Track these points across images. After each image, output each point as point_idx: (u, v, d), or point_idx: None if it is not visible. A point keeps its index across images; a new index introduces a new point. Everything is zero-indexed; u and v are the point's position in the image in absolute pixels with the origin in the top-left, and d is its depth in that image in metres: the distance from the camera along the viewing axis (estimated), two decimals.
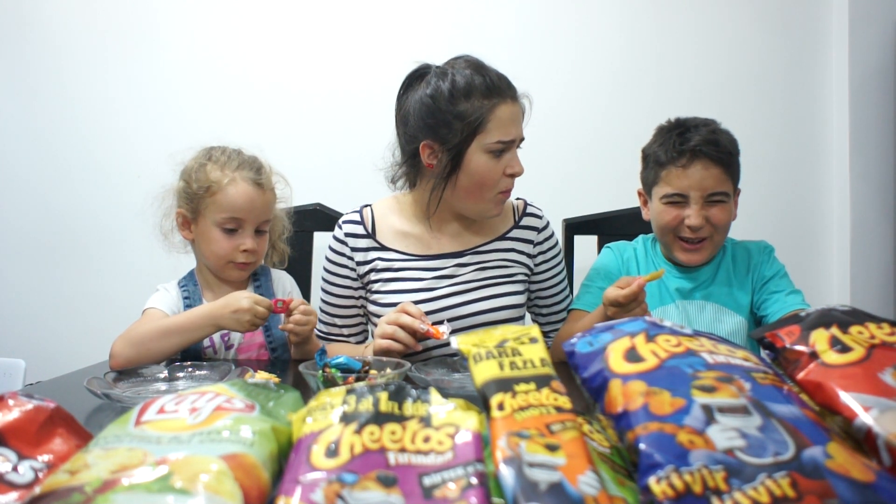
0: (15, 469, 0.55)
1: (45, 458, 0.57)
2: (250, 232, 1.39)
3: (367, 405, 0.56)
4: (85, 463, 0.50)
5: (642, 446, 0.48)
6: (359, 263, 1.41)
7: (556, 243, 1.48)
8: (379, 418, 0.55)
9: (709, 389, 0.52)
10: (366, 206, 1.46)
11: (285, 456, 0.54)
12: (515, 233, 1.43)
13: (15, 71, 2.17)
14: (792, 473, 0.45)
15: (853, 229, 2.02)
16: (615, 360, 0.58)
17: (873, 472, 0.46)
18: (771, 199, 2.05)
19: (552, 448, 0.48)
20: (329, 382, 0.98)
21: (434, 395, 0.60)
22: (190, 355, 1.33)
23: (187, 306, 1.37)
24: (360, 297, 1.44)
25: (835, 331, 0.61)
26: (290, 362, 1.34)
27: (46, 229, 2.19)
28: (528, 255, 1.43)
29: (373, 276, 1.40)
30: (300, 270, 1.70)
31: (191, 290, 1.42)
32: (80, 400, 0.98)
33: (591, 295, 1.41)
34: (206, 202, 1.36)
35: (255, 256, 1.40)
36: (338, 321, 1.44)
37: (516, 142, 1.31)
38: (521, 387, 0.55)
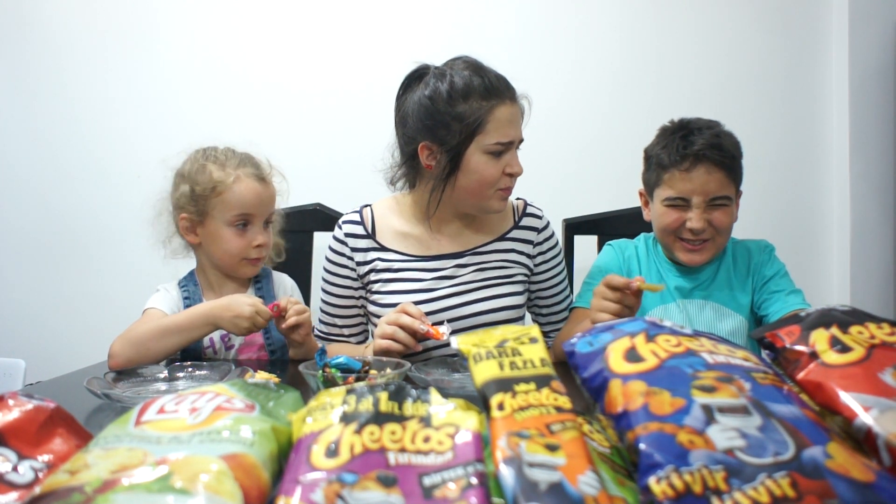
0: (15, 469, 0.55)
1: (45, 458, 0.57)
2: (260, 227, 1.40)
3: (367, 405, 0.56)
4: (85, 463, 0.50)
5: (642, 446, 0.48)
6: (359, 264, 1.41)
7: (557, 243, 1.48)
8: (379, 418, 0.55)
9: (709, 389, 0.52)
10: (366, 206, 1.46)
11: (285, 456, 0.54)
12: (515, 233, 1.43)
13: (15, 71, 2.17)
14: (792, 473, 0.45)
15: (853, 229, 2.02)
16: (615, 360, 0.58)
17: (873, 472, 0.46)
18: (771, 199, 2.05)
19: (552, 448, 0.48)
20: (329, 382, 0.98)
21: (434, 395, 0.60)
22: (190, 355, 1.34)
23: (187, 306, 1.37)
24: (360, 298, 1.44)
25: (835, 331, 0.61)
26: (290, 362, 1.34)
27: (46, 229, 2.19)
28: (528, 256, 1.43)
29: (372, 277, 1.40)
30: (300, 270, 1.71)
31: (191, 290, 1.42)
32: (80, 400, 0.98)
33: (592, 293, 1.41)
34: (213, 202, 1.35)
35: (266, 250, 1.41)
36: (338, 321, 1.44)
37: (515, 143, 1.32)
38: (521, 387, 0.55)
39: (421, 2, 2.09)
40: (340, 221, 1.45)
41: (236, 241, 1.37)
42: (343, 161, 2.06)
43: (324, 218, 1.77)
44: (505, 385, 0.56)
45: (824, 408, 0.55)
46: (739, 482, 0.44)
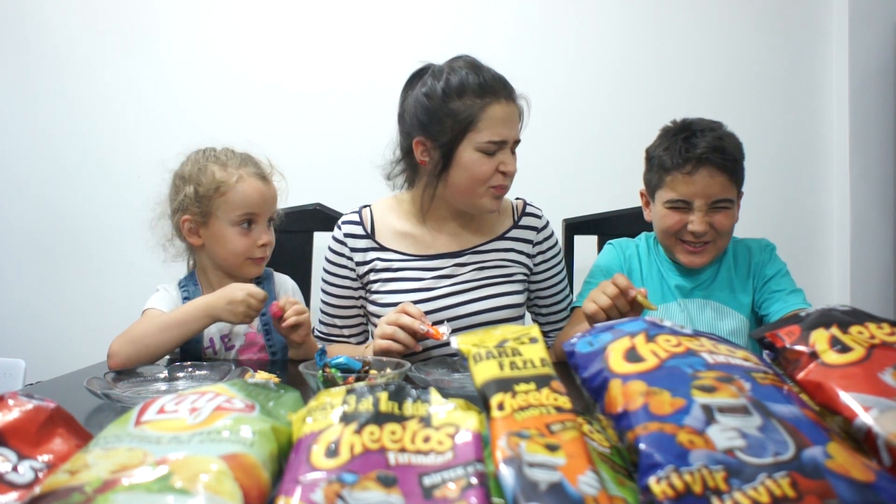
0: (15, 469, 0.55)
1: (45, 458, 0.57)
2: (264, 226, 1.40)
3: (367, 405, 0.56)
4: (85, 463, 0.50)
5: (642, 446, 0.48)
6: (358, 264, 1.41)
7: (556, 243, 1.48)
8: (379, 418, 0.55)
9: (709, 389, 0.52)
10: (365, 206, 1.46)
11: (285, 456, 0.54)
12: (514, 233, 1.43)
13: (15, 71, 2.17)
14: (792, 473, 0.45)
15: (853, 229, 2.02)
16: (615, 360, 0.58)
17: (873, 472, 0.46)
18: (771, 199, 2.05)
19: (552, 448, 0.48)
20: (329, 382, 0.98)
21: (434, 395, 0.60)
22: (190, 356, 1.34)
23: None
24: (360, 298, 1.44)
25: (835, 331, 0.61)
26: (290, 362, 1.34)
27: (46, 229, 2.19)
28: (528, 255, 1.43)
29: (372, 277, 1.40)
30: (300, 270, 1.71)
31: (191, 290, 1.42)
32: (80, 400, 0.98)
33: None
34: (217, 203, 1.35)
35: (270, 249, 1.42)
36: (338, 321, 1.44)
37: (510, 142, 1.31)
38: (521, 387, 0.55)
39: (421, 2, 2.09)
40: (340, 222, 1.45)
41: (241, 241, 1.37)
42: (343, 161, 2.06)
43: (324, 218, 1.77)
44: (505, 385, 0.56)
45: (824, 408, 0.55)
46: (739, 482, 0.44)
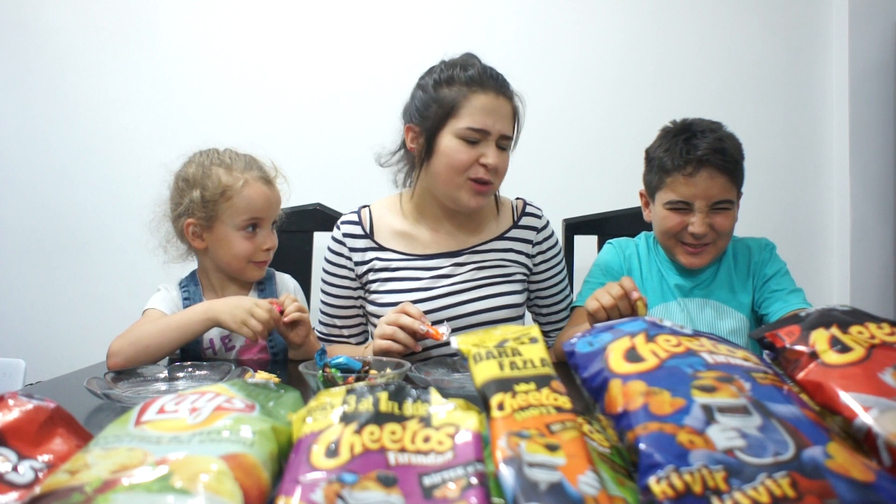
0: (15, 469, 0.55)
1: (45, 458, 0.57)
2: (268, 230, 1.40)
3: (367, 405, 0.56)
4: (85, 463, 0.50)
5: (642, 446, 0.48)
6: (357, 263, 1.41)
7: (556, 243, 1.48)
8: (379, 418, 0.55)
9: (709, 389, 0.52)
10: (364, 206, 1.46)
11: (285, 456, 0.54)
12: (514, 232, 1.43)
13: (15, 71, 2.17)
14: (792, 473, 0.44)
15: (853, 229, 2.02)
16: (615, 360, 0.58)
17: (873, 472, 0.46)
18: (771, 199, 2.05)
19: (552, 448, 0.48)
20: (329, 382, 0.98)
21: (434, 395, 0.60)
22: (190, 356, 1.33)
23: (187, 307, 1.37)
24: (359, 298, 1.44)
25: (835, 331, 0.61)
26: (290, 362, 1.34)
27: (46, 229, 2.19)
28: (528, 255, 1.43)
29: (371, 277, 1.40)
30: (300, 270, 1.70)
31: (191, 290, 1.42)
32: (80, 400, 0.98)
33: (593, 291, 1.41)
34: (222, 207, 1.34)
35: (273, 252, 1.42)
36: (337, 321, 1.44)
37: (493, 134, 1.29)
38: (521, 387, 0.55)
39: (421, 3, 2.09)
40: (339, 222, 1.45)
41: (245, 245, 1.36)
42: (343, 161, 2.06)
43: (324, 218, 1.78)
44: (505, 385, 0.56)
45: (824, 408, 0.55)
46: (739, 482, 0.44)
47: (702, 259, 1.37)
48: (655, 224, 1.43)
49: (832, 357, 0.58)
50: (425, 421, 0.56)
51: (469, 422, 0.55)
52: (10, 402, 0.60)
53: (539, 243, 1.44)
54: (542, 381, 0.56)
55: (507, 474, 0.46)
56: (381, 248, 1.41)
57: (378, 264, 1.40)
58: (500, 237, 1.43)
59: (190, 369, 1.14)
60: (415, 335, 1.20)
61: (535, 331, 0.65)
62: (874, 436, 0.49)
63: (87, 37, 2.15)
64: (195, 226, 1.36)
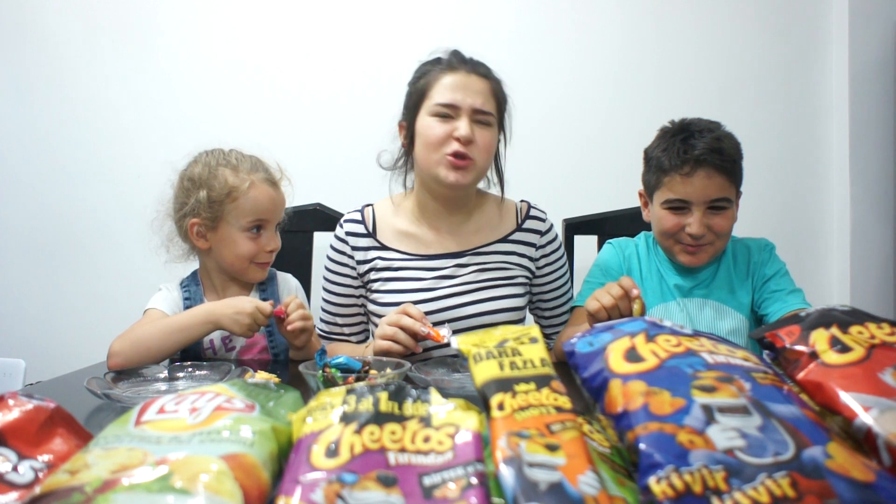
0: (15, 469, 0.55)
1: (45, 458, 0.57)
2: (272, 231, 1.40)
3: (367, 405, 0.56)
4: (85, 463, 0.50)
5: (642, 446, 0.48)
6: (359, 262, 1.41)
7: (560, 246, 1.48)
8: (379, 418, 0.55)
9: (709, 389, 0.52)
10: (367, 205, 1.47)
11: (285, 456, 0.54)
12: (518, 235, 1.43)
13: (15, 71, 2.17)
14: (792, 473, 0.44)
15: (853, 229, 2.02)
16: (615, 360, 0.58)
17: (873, 472, 0.46)
18: (771, 199, 2.05)
19: (552, 448, 0.48)
20: (329, 382, 0.98)
21: (434, 395, 0.60)
22: (190, 356, 1.33)
23: (188, 307, 1.37)
24: (361, 297, 1.44)
25: (835, 331, 0.61)
26: (290, 362, 1.34)
27: (46, 229, 2.19)
28: (531, 259, 1.43)
29: (373, 276, 1.40)
30: (300, 270, 1.70)
31: (192, 290, 1.42)
32: (80, 400, 0.98)
33: (592, 291, 1.41)
34: (228, 208, 1.35)
35: (275, 254, 1.42)
36: (339, 320, 1.45)
37: (463, 108, 1.30)
38: (521, 387, 0.55)
39: (421, 3, 2.09)
40: (342, 220, 1.45)
41: (249, 246, 1.37)
42: (343, 161, 2.06)
43: (324, 218, 1.78)
44: (505, 385, 0.56)
45: (824, 408, 0.55)
46: (739, 482, 0.44)
47: (700, 258, 1.38)
48: (654, 224, 1.43)
49: (832, 357, 0.58)
50: (425, 421, 0.56)
51: (469, 422, 0.55)
52: (10, 402, 0.60)
53: (543, 246, 1.44)
54: (542, 381, 0.56)
55: (507, 474, 0.46)
56: (384, 248, 1.41)
57: (380, 263, 1.40)
58: (504, 239, 1.43)
59: (190, 369, 1.14)
60: (415, 336, 1.20)
61: (535, 331, 0.65)
62: (874, 436, 0.49)
63: (87, 37, 2.15)
64: (200, 226, 1.36)
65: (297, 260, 1.72)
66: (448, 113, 1.30)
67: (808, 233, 2.09)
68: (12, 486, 0.53)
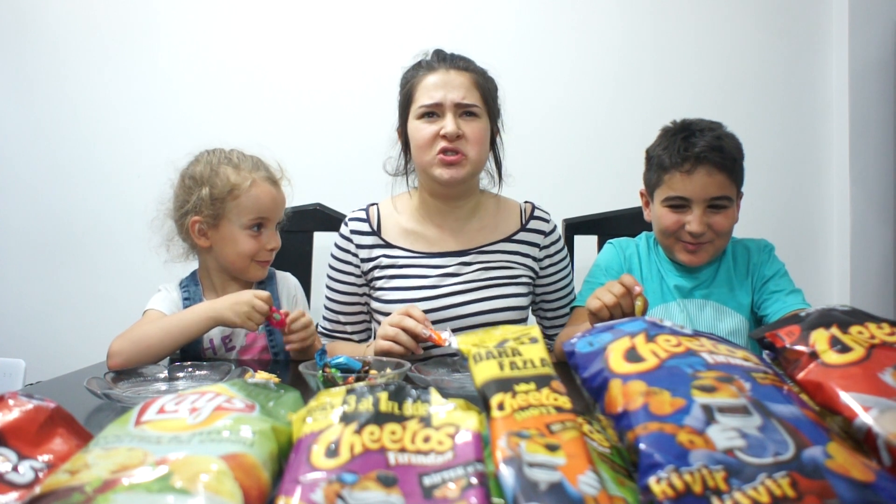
0: (15, 469, 0.55)
1: (45, 458, 0.57)
2: (273, 230, 1.41)
3: (367, 405, 0.56)
4: (85, 463, 0.50)
5: (642, 446, 0.48)
6: (363, 261, 1.41)
7: (563, 248, 1.49)
8: (379, 418, 0.55)
9: (709, 389, 0.52)
10: (372, 204, 1.48)
11: (285, 456, 0.54)
12: (522, 235, 1.44)
13: (15, 71, 2.17)
14: (792, 473, 0.44)
15: (853, 229, 2.02)
16: (615, 360, 0.58)
17: (873, 472, 0.46)
18: (771, 199, 2.05)
19: (552, 448, 0.48)
20: (329, 382, 0.98)
21: (434, 395, 0.60)
22: (190, 356, 1.33)
23: (187, 307, 1.37)
24: (364, 295, 1.44)
25: (835, 331, 0.61)
26: (290, 362, 1.34)
27: (46, 229, 2.19)
28: (534, 259, 1.44)
29: (377, 273, 1.40)
30: (300, 270, 1.70)
31: (192, 290, 1.42)
32: (80, 400, 0.98)
33: (593, 291, 1.41)
34: (230, 206, 1.35)
35: (276, 253, 1.43)
36: (341, 318, 1.45)
37: (445, 105, 1.31)
38: (521, 387, 0.55)
39: (421, 3, 2.09)
40: (346, 219, 1.46)
41: (250, 244, 1.37)
42: (343, 161, 2.06)
43: (324, 218, 1.78)
44: (505, 385, 0.56)
45: (824, 408, 0.55)
46: (739, 482, 0.44)
47: (700, 257, 1.38)
48: (654, 223, 1.43)
49: (832, 357, 0.58)
50: (425, 421, 0.56)
51: (469, 422, 0.55)
52: (10, 402, 0.60)
53: (546, 247, 1.45)
54: (542, 381, 0.56)
55: (507, 474, 0.46)
56: (389, 246, 1.41)
57: (385, 261, 1.40)
58: (508, 239, 1.43)
59: (190, 369, 1.14)
60: (417, 338, 1.20)
61: (536, 331, 0.65)
62: (874, 436, 0.49)
63: (87, 37, 2.15)
64: (201, 223, 1.37)
65: (296, 260, 1.72)
66: (433, 112, 1.32)
67: (808, 233, 2.09)
68: (12, 486, 0.53)
